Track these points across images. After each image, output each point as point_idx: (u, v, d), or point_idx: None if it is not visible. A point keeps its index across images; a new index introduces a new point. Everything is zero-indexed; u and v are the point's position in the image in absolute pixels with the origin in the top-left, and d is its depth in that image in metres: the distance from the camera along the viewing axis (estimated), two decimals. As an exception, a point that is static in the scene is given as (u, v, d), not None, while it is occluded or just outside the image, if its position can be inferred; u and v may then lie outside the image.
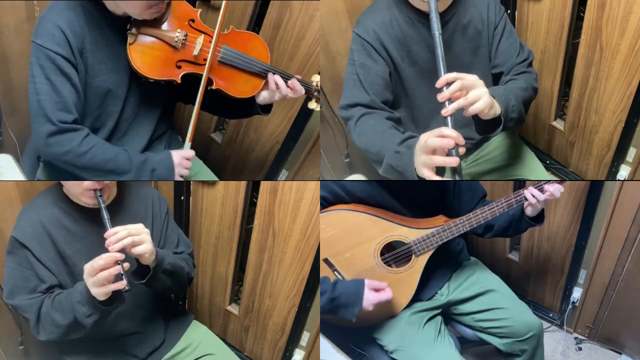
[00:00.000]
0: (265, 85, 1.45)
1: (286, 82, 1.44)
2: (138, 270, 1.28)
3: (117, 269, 1.16)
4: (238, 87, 1.42)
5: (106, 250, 1.18)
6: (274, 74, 1.43)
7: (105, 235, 1.19)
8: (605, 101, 1.75)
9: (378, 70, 1.40)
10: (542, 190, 1.33)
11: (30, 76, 1.25)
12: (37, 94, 1.24)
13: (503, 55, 1.46)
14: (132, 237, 1.20)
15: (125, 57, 1.31)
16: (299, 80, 1.45)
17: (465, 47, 1.45)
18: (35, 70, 1.24)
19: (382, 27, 1.40)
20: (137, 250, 1.21)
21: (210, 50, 1.35)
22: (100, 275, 1.14)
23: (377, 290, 1.34)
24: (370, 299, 1.32)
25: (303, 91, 1.46)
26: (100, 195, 1.24)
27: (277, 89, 1.43)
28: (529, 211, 1.38)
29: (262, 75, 1.43)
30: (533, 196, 1.33)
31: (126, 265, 1.18)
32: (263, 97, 1.46)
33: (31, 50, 1.25)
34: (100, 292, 1.16)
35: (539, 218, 1.41)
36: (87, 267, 1.17)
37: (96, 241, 1.31)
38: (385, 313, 1.44)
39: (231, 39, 1.40)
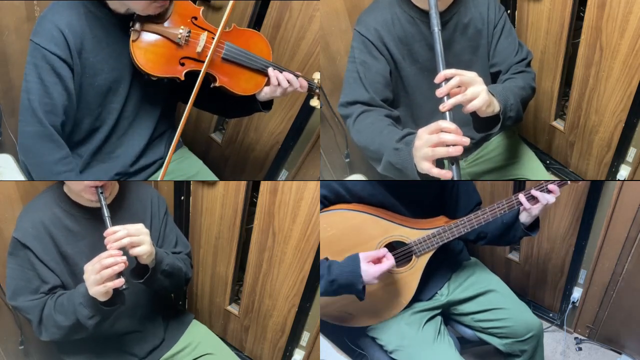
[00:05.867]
0: (267, 82, 1.45)
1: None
2: (136, 269, 1.28)
3: (117, 267, 1.16)
4: (241, 84, 1.42)
5: (107, 249, 1.18)
6: (274, 69, 1.43)
7: (105, 233, 1.19)
8: (605, 101, 1.75)
9: (379, 68, 1.40)
10: (543, 190, 1.32)
11: (24, 74, 1.26)
12: (28, 92, 1.24)
13: (502, 54, 1.46)
14: (131, 237, 1.20)
15: (128, 55, 1.30)
16: (300, 77, 1.45)
17: (466, 46, 1.45)
18: (29, 69, 1.24)
19: (384, 25, 1.40)
20: (135, 251, 1.21)
21: (212, 46, 1.33)
22: (104, 273, 1.14)
23: (377, 260, 1.29)
24: (371, 272, 1.26)
25: (306, 86, 1.46)
26: (102, 193, 1.24)
27: (278, 85, 1.43)
28: (523, 217, 1.37)
29: (264, 72, 1.43)
30: (531, 198, 1.32)
31: (123, 260, 1.17)
32: (264, 93, 1.45)
33: (28, 49, 1.25)
34: (98, 291, 1.16)
35: (534, 227, 1.40)
36: (89, 267, 1.17)
37: (97, 240, 1.31)
38: (386, 313, 1.44)
39: (233, 36, 1.40)
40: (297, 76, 1.45)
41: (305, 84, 1.46)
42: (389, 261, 1.28)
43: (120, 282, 1.16)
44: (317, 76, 1.52)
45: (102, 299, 1.18)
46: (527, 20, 1.84)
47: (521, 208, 1.35)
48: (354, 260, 1.28)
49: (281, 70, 1.44)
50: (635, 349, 1.93)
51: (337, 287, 1.29)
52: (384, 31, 1.39)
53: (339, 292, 1.30)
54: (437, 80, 1.16)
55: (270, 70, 1.42)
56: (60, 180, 1.31)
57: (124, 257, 1.18)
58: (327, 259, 1.38)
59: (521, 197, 1.33)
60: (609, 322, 1.93)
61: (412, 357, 1.38)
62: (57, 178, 1.30)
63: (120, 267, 1.16)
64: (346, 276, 1.27)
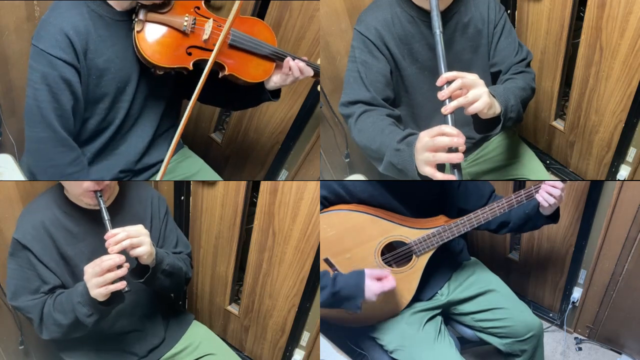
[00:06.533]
0: (275, 70, 1.44)
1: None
2: (137, 269, 1.29)
3: (120, 272, 1.17)
4: (250, 71, 1.40)
5: (107, 251, 1.19)
6: (293, 59, 1.42)
7: (105, 237, 1.20)
8: (605, 101, 1.75)
9: (379, 67, 1.40)
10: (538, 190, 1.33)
11: (28, 80, 1.24)
12: (37, 99, 1.23)
13: (502, 54, 1.46)
14: (131, 239, 1.20)
15: (133, 53, 1.29)
16: (306, 62, 1.45)
17: (466, 46, 1.45)
18: (35, 75, 1.22)
19: (384, 24, 1.40)
20: (136, 252, 1.22)
21: (224, 32, 1.28)
22: (107, 277, 1.15)
23: (379, 279, 1.31)
24: (372, 289, 1.29)
25: (312, 72, 1.46)
26: (101, 196, 1.25)
27: (290, 73, 1.43)
28: (542, 210, 1.39)
29: (272, 58, 1.42)
30: (547, 198, 1.33)
31: (126, 265, 1.19)
32: (274, 82, 1.45)
33: (30, 53, 1.23)
34: (99, 293, 1.17)
35: (555, 216, 1.42)
36: (89, 269, 1.17)
37: (97, 241, 1.31)
38: (386, 312, 1.44)
39: (238, 23, 1.38)
40: (304, 61, 1.44)
41: (309, 68, 1.45)
42: (391, 283, 1.31)
43: (122, 284, 1.17)
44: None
45: (101, 299, 1.19)
46: (527, 20, 1.84)
47: (539, 204, 1.36)
48: (360, 275, 1.31)
49: (293, 57, 1.43)
50: (635, 349, 1.93)
51: (338, 298, 1.31)
52: (384, 30, 1.39)
53: (339, 304, 1.32)
54: (438, 83, 1.17)
55: (289, 60, 1.41)
56: (71, 180, 1.30)
57: (123, 258, 1.18)
58: (327, 259, 1.38)
59: (539, 197, 1.34)
60: (609, 322, 1.93)
61: (412, 357, 1.38)
62: (67, 179, 1.30)
63: (123, 272, 1.17)
64: (350, 289, 1.30)
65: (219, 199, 1.77)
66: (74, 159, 1.30)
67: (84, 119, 1.34)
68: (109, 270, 1.16)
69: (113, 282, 1.17)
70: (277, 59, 1.43)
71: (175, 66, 1.31)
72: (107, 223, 1.22)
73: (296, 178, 1.99)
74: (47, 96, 1.23)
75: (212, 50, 1.32)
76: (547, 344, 1.78)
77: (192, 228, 1.88)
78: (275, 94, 1.50)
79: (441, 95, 1.16)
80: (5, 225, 1.50)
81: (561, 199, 1.34)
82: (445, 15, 1.38)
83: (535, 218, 1.42)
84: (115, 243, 1.19)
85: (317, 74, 1.49)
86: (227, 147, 2.07)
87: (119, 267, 1.17)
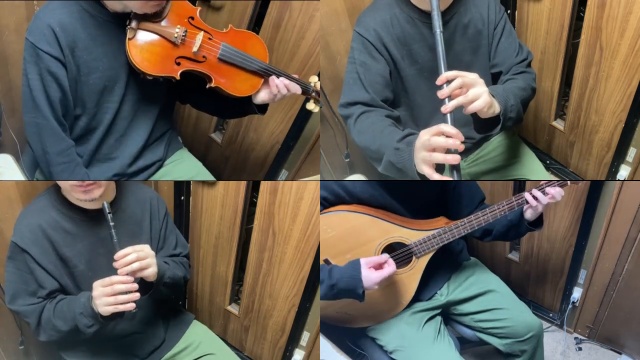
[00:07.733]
0: (264, 86, 1.45)
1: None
2: (139, 284, 1.29)
3: (133, 296, 1.20)
4: (237, 85, 1.41)
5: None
6: (278, 76, 1.42)
7: (115, 256, 1.21)
8: (605, 101, 1.75)
9: (378, 68, 1.40)
10: (543, 192, 1.31)
11: (22, 69, 1.28)
12: (30, 88, 1.27)
13: (502, 55, 1.46)
14: (140, 262, 1.22)
15: (124, 54, 1.31)
16: (296, 80, 1.45)
17: (466, 47, 1.45)
18: (28, 66, 1.27)
19: (383, 25, 1.40)
20: (142, 274, 1.25)
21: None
22: (120, 298, 1.18)
23: (377, 266, 1.28)
24: (371, 278, 1.26)
25: (300, 90, 1.46)
26: (110, 212, 1.24)
27: (278, 92, 1.43)
28: (528, 215, 1.36)
29: (260, 74, 1.43)
30: (535, 198, 1.31)
31: (134, 287, 1.21)
32: (261, 98, 1.45)
33: (24, 46, 1.27)
34: (107, 311, 1.19)
35: (538, 222, 1.40)
36: (99, 286, 1.19)
37: (95, 241, 1.32)
38: (385, 313, 1.44)
39: (230, 37, 1.40)
40: (292, 79, 1.44)
41: (297, 86, 1.45)
42: (390, 267, 1.28)
43: (131, 306, 1.20)
44: (314, 79, 1.52)
45: (105, 315, 1.20)
46: (527, 20, 1.84)
47: (526, 206, 1.34)
48: (355, 265, 1.28)
49: (279, 75, 1.43)
50: (635, 349, 1.93)
51: (337, 291, 1.29)
52: (383, 32, 1.39)
53: (339, 296, 1.31)
54: (438, 82, 1.17)
55: (272, 78, 1.42)
56: (60, 178, 1.32)
57: (136, 285, 1.21)
58: (327, 260, 1.38)
59: (527, 195, 1.32)
60: (609, 322, 1.93)
61: (412, 357, 1.38)
62: (56, 170, 1.32)
63: (136, 297, 1.20)
64: (346, 281, 1.28)
65: (219, 199, 1.77)
66: (63, 150, 1.31)
67: (74, 116, 1.35)
68: (120, 293, 1.18)
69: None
70: (265, 75, 1.43)
71: (163, 75, 1.33)
72: (114, 234, 1.22)
73: (296, 178, 1.99)
74: (39, 85, 1.26)
75: (201, 62, 1.35)
76: (547, 344, 1.78)
77: (192, 228, 1.88)
78: (262, 108, 1.51)
79: (441, 93, 1.16)
80: (5, 225, 1.50)
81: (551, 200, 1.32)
82: (445, 15, 1.38)
83: (518, 225, 1.40)
84: (125, 265, 1.21)
85: (305, 92, 1.49)
86: (227, 147, 2.07)
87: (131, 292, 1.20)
